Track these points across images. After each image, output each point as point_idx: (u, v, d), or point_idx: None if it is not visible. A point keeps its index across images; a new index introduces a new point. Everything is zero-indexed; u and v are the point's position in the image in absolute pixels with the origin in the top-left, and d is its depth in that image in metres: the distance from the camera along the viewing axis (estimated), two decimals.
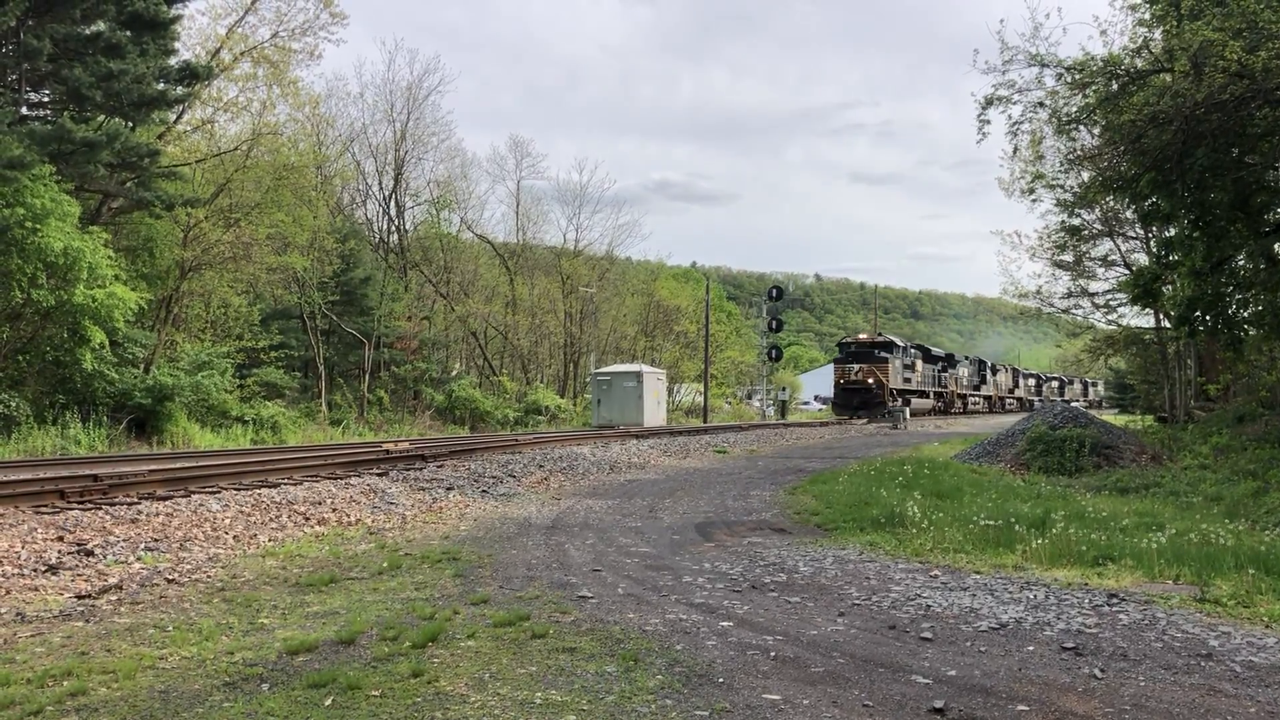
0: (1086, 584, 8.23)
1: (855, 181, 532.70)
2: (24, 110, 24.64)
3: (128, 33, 24.66)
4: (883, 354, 51.35)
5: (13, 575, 7.85)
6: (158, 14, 25.20)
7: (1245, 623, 6.95)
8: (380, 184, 46.72)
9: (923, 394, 59.93)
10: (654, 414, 35.76)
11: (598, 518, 12.31)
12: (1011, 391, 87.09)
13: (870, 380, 50.12)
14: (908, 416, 46.61)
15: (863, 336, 54.16)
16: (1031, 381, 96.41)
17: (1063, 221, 33.60)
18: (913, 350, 58.72)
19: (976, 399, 75.40)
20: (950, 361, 69.89)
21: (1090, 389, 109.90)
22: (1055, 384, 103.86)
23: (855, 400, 49.90)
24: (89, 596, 7.50)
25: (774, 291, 56.13)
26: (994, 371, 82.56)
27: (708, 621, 6.85)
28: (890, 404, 48.86)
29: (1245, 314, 22.07)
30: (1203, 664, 5.95)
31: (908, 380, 55.78)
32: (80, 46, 23.86)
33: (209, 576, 8.33)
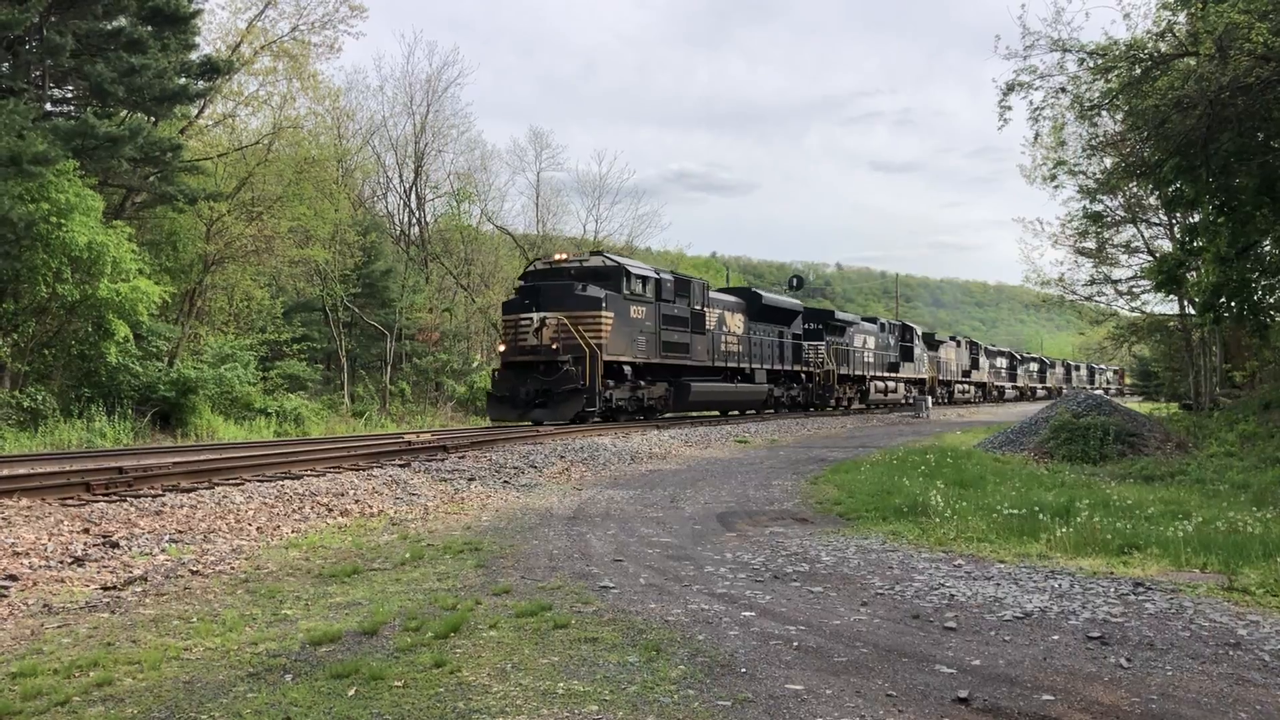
0: (1112, 573, 8.17)
1: (874, 170, 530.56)
2: (48, 106, 24.83)
3: (149, 28, 24.81)
4: (597, 290, 23.88)
5: (39, 567, 7.91)
6: (179, 9, 25.32)
7: (1274, 611, 6.87)
8: (401, 176, 46.90)
9: (871, 380, 45.17)
10: None
11: (619, 508, 12.32)
12: (1012, 379, 79.90)
13: (557, 344, 22.96)
14: (929, 405, 45.67)
15: (561, 256, 26.72)
16: (1034, 366, 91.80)
17: (1085, 208, 33.33)
18: (780, 304, 36.23)
19: (965, 386, 65.40)
20: (928, 341, 56.76)
21: (1074, 373, 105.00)
22: (1062, 370, 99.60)
23: (525, 388, 23.14)
24: (114, 588, 7.55)
25: (795, 280, 56.22)
26: (990, 355, 73.68)
27: (730, 611, 6.83)
28: (597, 393, 23.19)
29: (1271, 300, 21.85)
30: (1231, 653, 5.89)
31: (802, 356, 36.95)
32: (102, 42, 24.01)
33: (233, 568, 8.37)
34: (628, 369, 25.04)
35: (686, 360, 27.56)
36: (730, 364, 30.81)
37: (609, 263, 25.36)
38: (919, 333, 54.17)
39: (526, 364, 23.32)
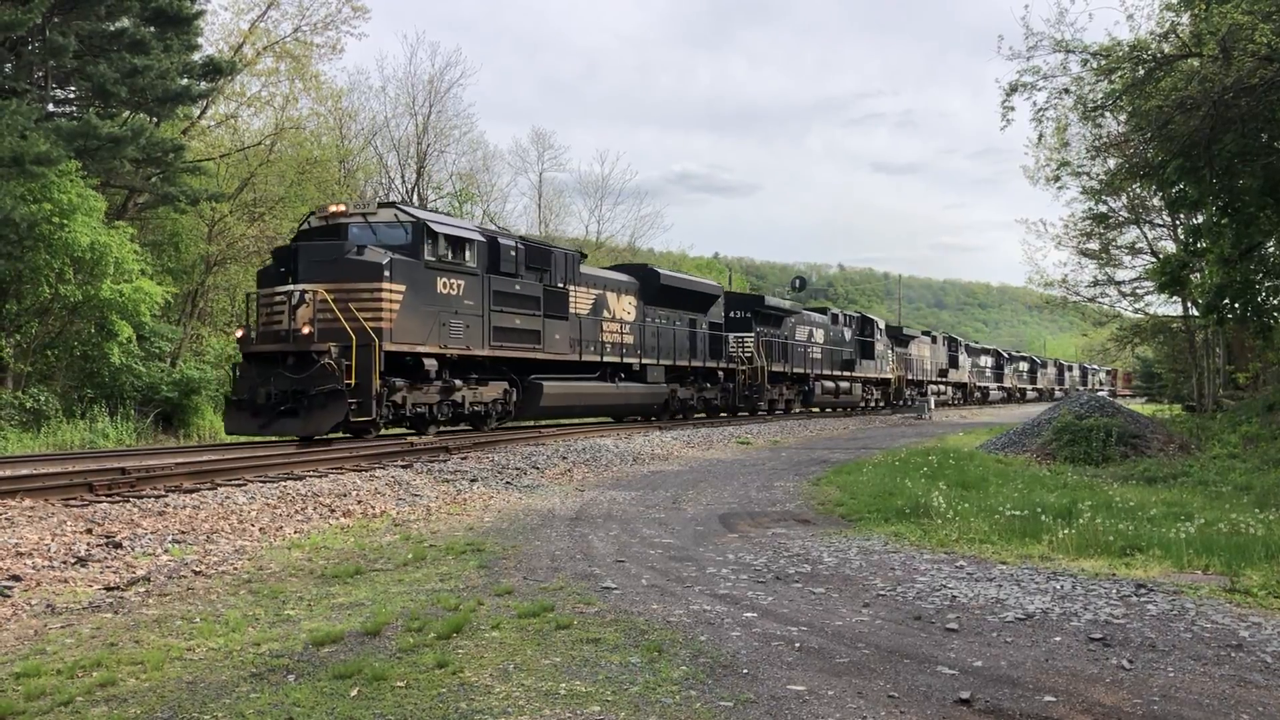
0: (1114, 574, 8.16)
1: (876, 171, 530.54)
2: (50, 107, 24.86)
3: (152, 29, 24.85)
4: (378, 253, 17.46)
5: (43, 567, 7.93)
6: (181, 10, 25.36)
7: (1276, 613, 6.86)
8: (403, 177, 46.89)
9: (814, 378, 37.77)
10: None
11: (621, 509, 12.32)
12: (998, 380, 73.25)
13: (312, 327, 16.56)
14: (932, 406, 45.51)
15: (337, 208, 18.97)
16: (1023, 366, 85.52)
17: (1088, 209, 33.36)
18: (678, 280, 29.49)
19: (941, 387, 58.78)
20: (894, 336, 50.62)
21: (1066, 373, 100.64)
22: (1054, 370, 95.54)
23: (266, 389, 16.65)
24: (117, 588, 7.56)
25: (797, 282, 56.17)
26: (972, 353, 66.93)
27: (732, 612, 6.83)
28: (374, 396, 16.78)
29: (1275, 301, 21.83)
30: (1233, 654, 5.89)
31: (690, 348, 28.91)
32: (105, 43, 24.04)
33: (235, 568, 8.38)
34: (432, 363, 18.24)
35: (537, 353, 21.02)
36: (612, 358, 24.42)
37: (405, 217, 18.21)
38: (881, 326, 47.38)
39: (274, 355, 16.89)
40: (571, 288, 22.73)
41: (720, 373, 31.16)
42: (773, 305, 35.71)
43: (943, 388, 58.95)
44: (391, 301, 17.09)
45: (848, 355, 42.44)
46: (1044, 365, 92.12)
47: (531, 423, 23.32)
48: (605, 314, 24.51)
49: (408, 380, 17.99)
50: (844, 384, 41.08)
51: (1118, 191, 31.26)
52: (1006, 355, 77.59)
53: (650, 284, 27.08)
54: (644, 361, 26.08)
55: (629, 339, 25.51)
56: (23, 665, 5.53)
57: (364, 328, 16.53)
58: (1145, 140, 21.00)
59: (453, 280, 18.65)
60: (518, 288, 20.56)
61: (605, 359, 24.24)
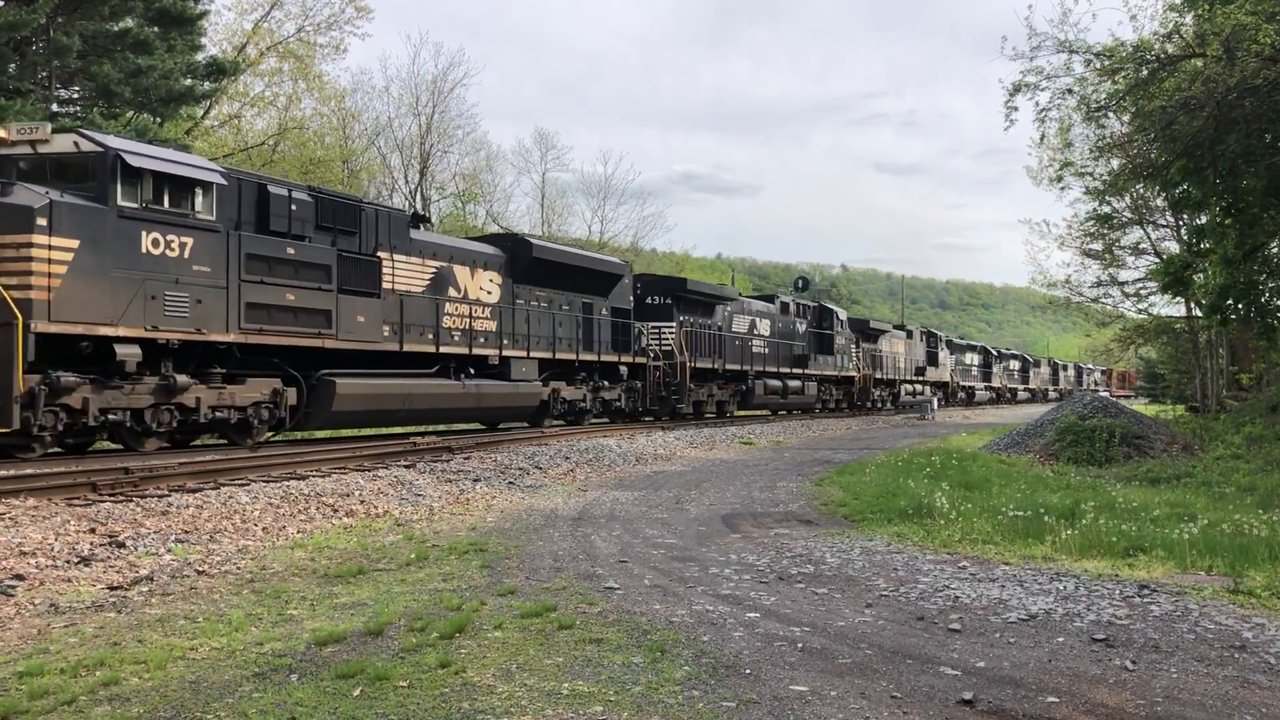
0: (1117, 575, 8.15)
1: (879, 171, 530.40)
2: (54, 107, 24.87)
3: (155, 29, 24.89)
4: (31, 193, 12.54)
5: (46, 567, 7.94)
6: (185, 10, 25.39)
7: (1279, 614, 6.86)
8: (406, 177, 46.89)
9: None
10: None
11: (624, 509, 12.32)
12: (986, 379, 66.65)
13: None
14: (935, 407, 45.13)
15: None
16: (1014, 365, 78.87)
17: (1092, 210, 33.34)
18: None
19: (918, 386, 52.12)
20: (861, 330, 44.49)
21: (1061, 373, 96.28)
22: (1048, 370, 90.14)
23: None
24: (121, 588, 7.57)
25: (800, 282, 55.69)
26: (956, 350, 60.49)
27: (734, 613, 6.83)
28: (15, 398, 11.89)
29: (1279, 302, 21.79)
30: (1236, 656, 5.88)
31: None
32: (109, 43, 24.07)
33: (238, 568, 8.39)
34: (132, 351, 13.43)
35: (326, 340, 16.34)
36: (457, 348, 19.62)
37: (89, 146, 13.53)
38: (843, 318, 41.03)
39: None
40: (392, 256, 17.99)
41: (623, 368, 25.74)
42: (697, 290, 30.81)
43: (919, 387, 52.14)
44: (51, 262, 12.43)
45: (799, 350, 36.72)
46: (1037, 364, 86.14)
47: (326, 434, 19.70)
48: (451, 292, 19.61)
49: (91, 377, 13.20)
50: (794, 382, 35.54)
51: (1121, 192, 31.23)
52: (995, 353, 71.04)
53: (521, 257, 22.02)
54: (507, 353, 20.93)
55: (488, 325, 20.66)
56: (26, 664, 5.54)
57: (7, 301, 11.92)
58: (1149, 141, 20.99)
59: (171, 237, 13.89)
60: (292, 251, 15.66)
61: (444, 349, 19.22)
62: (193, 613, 6.78)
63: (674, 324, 27.93)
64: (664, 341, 27.58)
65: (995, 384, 68.24)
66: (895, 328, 51.45)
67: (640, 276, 28.86)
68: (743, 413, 33.86)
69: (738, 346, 31.74)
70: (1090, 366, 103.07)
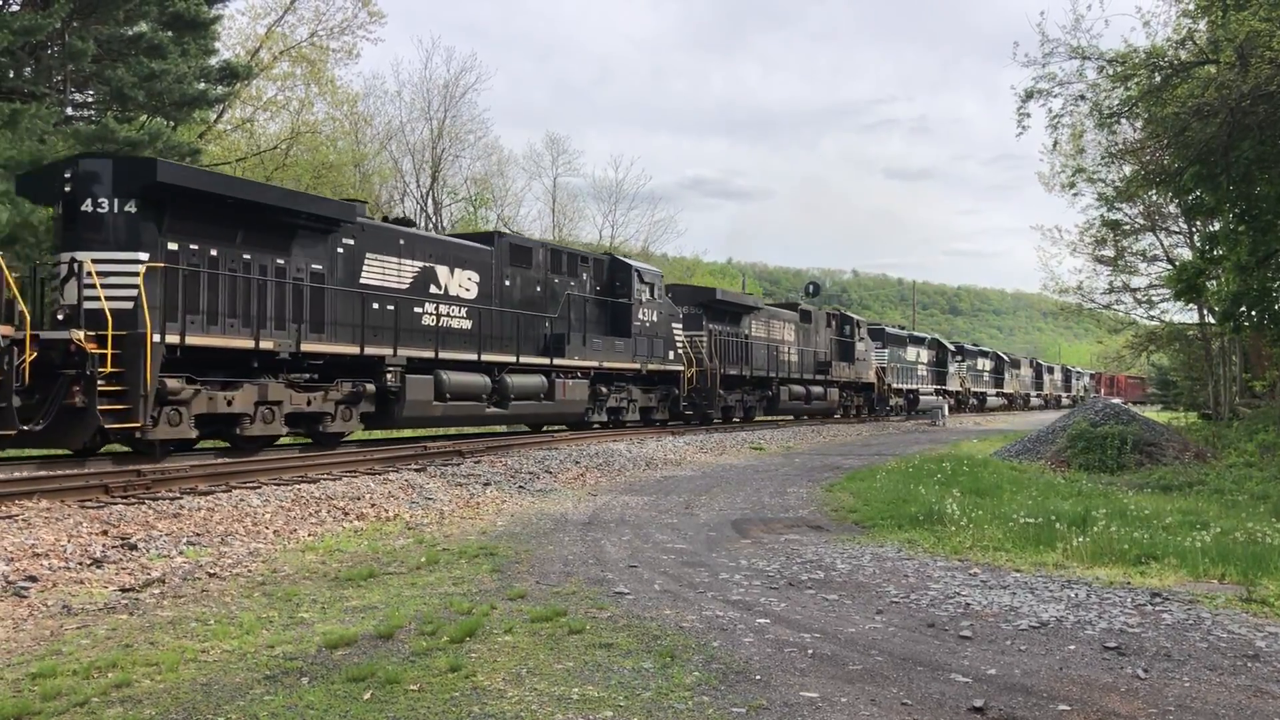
0: (1129, 583, 8.12)
1: (890, 177, 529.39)
2: (69, 111, 25.04)
3: (169, 33, 24.96)
4: None
5: (59, 568, 7.97)
6: (198, 14, 25.48)
7: None
8: (418, 182, 47.02)
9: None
10: None
11: (634, 514, 12.32)
12: (939, 380, 53.43)
13: None
14: (946, 413, 44.82)
15: None
16: (984, 364, 65.94)
17: (1104, 216, 33.21)
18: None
19: (812, 389, 39.21)
20: (707, 308, 29.83)
21: (1074, 380, 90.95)
22: (1030, 372, 78.79)
23: None
24: (133, 590, 7.60)
25: (811, 287, 55.77)
26: (889, 343, 46.43)
27: (745, 618, 6.83)
28: None
29: None
30: (1249, 665, 5.86)
31: None
32: (123, 47, 24.18)
33: (250, 570, 8.42)
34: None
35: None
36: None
37: None
38: (650, 281, 25.40)
39: None
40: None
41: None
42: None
43: (815, 390, 39.15)
44: None
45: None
46: (1014, 365, 74.71)
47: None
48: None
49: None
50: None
51: (1133, 198, 31.13)
52: (955, 349, 58.89)
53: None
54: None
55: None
56: (39, 666, 5.56)
57: None
58: (1161, 147, 20.94)
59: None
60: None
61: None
62: (204, 615, 6.81)
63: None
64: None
65: (951, 386, 55.58)
66: (785, 306, 39.65)
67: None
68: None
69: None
70: (1079, 370, 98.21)
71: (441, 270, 18.42)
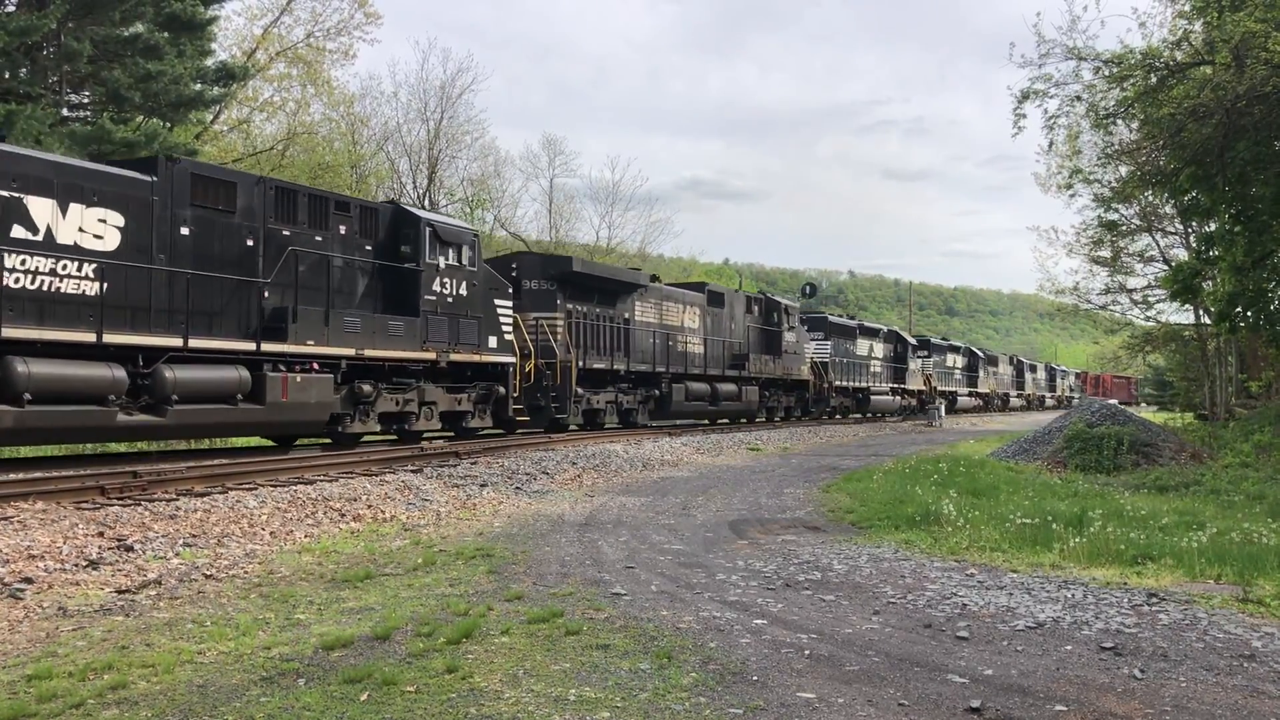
0: (1125, 583, 8.13)
1: (887, 178, 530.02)
2: (65, 112, 25.00)
3: (165, 34, 24.95)
4: None
5: (55, 570, 7.96)
6: (195, 15, 25.47)
7: None
8: (415, 182, 46.93)
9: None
10: None
11: (631, 515, 12.32)
12: (897, 379, 47.06)
13: None
14: (943, 414, 44.62)
15: None
16: (955, 361, 59.02)
17: (1100, 216, 33.21)
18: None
19: (717, 386, 33.67)
20: (552, 276, 23.28)
21: (1059, 379, 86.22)
22: (1009, 370, 72.36)
23: None
24: (129, 591, 7.59)
25: (807, 288, 55.60)
26: (831, 334, 40.23)
27: (741, 619, 6.83)
28: None
29: None
30: (1246, 665, 5.86)
31: None
32: (119, 48, 24.17)
33: (246, 572, 8.41)
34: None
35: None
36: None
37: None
38: (453, 241, 18.36)
39: None
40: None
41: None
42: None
43: (726, 388, 33.13)
44: None
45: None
46: (991, 362, 67.23)
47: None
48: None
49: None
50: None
51: (1130, 199, 31.15)
52: (916, 343, 52.28)
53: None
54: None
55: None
56: (35, 667, 5.55)
57: None
58: (1158, 148, 20.95)
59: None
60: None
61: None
62: (200, 617, 6.80)
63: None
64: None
65: (911, 385, 49.28)
66: (675, 286, 34.18)
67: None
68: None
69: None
70: (1065, 369, 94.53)
71: (40, 204, 12.13)
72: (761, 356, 32.52)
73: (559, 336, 21.87)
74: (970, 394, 61.13)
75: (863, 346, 43.57)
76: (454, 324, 18.06)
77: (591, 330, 23.40)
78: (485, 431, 20.12)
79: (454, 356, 18.04)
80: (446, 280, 17.97)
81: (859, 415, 42.28)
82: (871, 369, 43.97)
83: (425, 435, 18.45)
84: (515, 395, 19.88)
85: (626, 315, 24.98)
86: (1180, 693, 5.33)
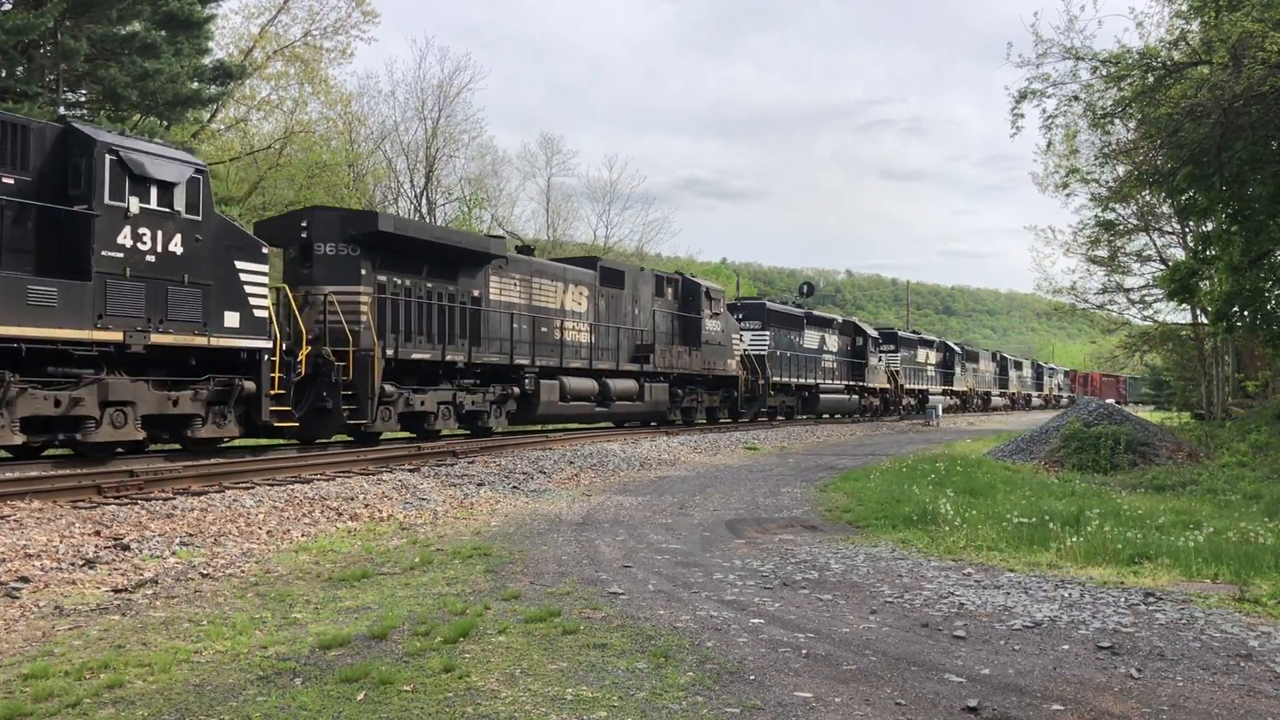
0: (1122, 582, 8.13)
1: (884, 178, 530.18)
2: (62, 110, 24.95)
3: (163, 32, 24.93)
4: None
5: (51, 569, 7.95)
6: (192, 14, 25.45)
7: None
8: (412, 181, 46.95)
9: None
10: None
11: (628, 514, 12.31)
12: (854, 375, 42.00)
13: None
14: (940, 413, 44.38)
15: None
16: (926, 355, 54.38)
17: (1097, 216, 33.27)
18: None
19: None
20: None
21: (1046, 377, 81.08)
22: (991, 366, 67.82)
23: None
24: (125, 590, 7.58)
25: (805, 287, 55.34)
26: (743, 317, 34.46)
27: (739, 619, 6.82)
28: None
29: None
30: (1242, 664, 5.87)
31: None
32: (116, 47, 24.14)
33: (243, 571, 8.40)
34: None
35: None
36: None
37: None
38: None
39: None
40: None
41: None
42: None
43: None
44: None
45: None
46: (970, 358, 60.61)
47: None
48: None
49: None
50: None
51: (1127, 198, 31.18)
52: (877, 336, 46.85)
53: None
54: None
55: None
56: (31, 666, 5.54)
57: None
58: (1155, 147, 20.98)
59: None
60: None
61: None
62: (197, 616, 6.79)
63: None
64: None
65: (872, 384, 44.06)
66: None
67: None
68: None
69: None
70: (1054, 366, 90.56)
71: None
72: (674, 348, 27.68)
73: (363, 318, 17.38)
74: (945, 391, 56.56)
75: (811, 338, 38.70)
76: (157, 292, 13.20)
77: (416, 310, 18.84)
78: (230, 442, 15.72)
79: (157, 338, 13.20)
80: (144, 231, 13.14)
81: (805, 416, 38.34)
82: (823, 364, 39.28)
83: (115, 449, 13.81)
84: (272, 393, 15.04)
85: (476, 293, 20.45)
86: (1177, 692, 5.34)
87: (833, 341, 41.00)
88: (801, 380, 36.96)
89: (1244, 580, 7.98)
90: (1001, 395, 68.84)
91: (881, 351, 46.46)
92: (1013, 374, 71.56)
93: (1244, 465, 17.60)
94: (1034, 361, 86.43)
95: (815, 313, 41.55)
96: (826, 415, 40.10)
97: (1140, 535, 9.85)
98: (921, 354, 53.73)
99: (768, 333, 34.56)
